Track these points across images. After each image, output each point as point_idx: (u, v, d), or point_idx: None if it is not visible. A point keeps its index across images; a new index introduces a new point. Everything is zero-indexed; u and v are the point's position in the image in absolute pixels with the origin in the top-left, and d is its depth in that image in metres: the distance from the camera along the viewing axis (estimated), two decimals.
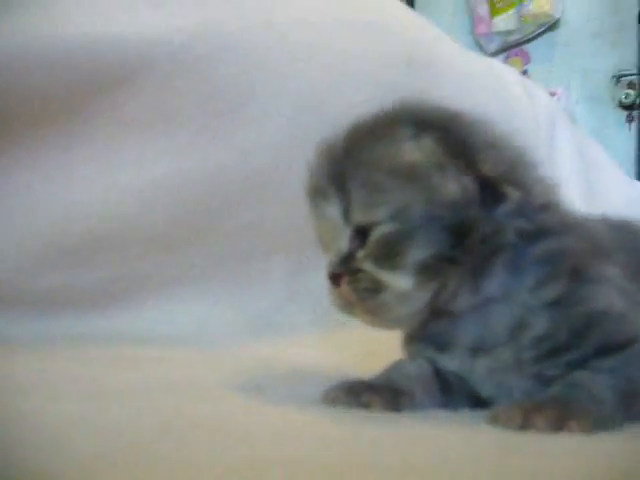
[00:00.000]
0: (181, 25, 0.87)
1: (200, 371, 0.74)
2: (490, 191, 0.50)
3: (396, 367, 0.57)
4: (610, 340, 0.51)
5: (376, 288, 0.50)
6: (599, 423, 0.46)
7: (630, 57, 2.74)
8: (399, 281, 0.50)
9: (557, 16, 2.88)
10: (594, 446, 0.43)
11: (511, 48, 2.98)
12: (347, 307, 0.53)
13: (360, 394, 0.52)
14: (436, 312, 0.52)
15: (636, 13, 2.69)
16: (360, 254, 0.51)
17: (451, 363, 0.55)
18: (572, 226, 0.55)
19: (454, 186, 0.49)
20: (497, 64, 1.68)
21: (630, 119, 2.75)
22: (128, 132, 0.83)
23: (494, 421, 0.48)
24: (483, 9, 2.99)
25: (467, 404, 0.55)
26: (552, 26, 2.93)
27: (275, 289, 1.04)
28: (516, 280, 0.51)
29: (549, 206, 0.54)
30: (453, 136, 0.51)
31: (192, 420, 0.47)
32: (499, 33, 2.97)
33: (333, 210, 0.52)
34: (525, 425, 0.46)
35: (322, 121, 1.01)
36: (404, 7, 1.37)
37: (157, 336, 0.90)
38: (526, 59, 2.97)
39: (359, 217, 0.51)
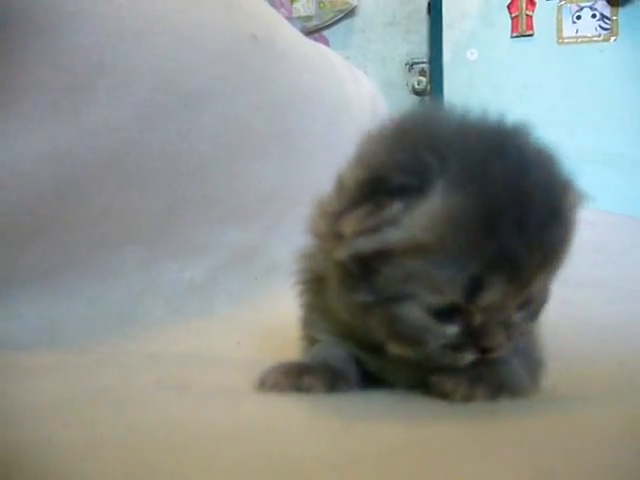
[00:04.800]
0: None
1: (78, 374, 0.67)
2: None
3: (326, 349, 0.56)
4: None
5: None
6: (523, 393, 0.50)
7: (421, 46, 2.94)
8: None
9: (354, 4, 3.00)
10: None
11: (311, 33, 3.06)
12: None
13: (300, 377, 0.51)
14: None
15: (425, 5, 2.89)
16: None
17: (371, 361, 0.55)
18: None
19: None
20: (326, 49, 1.71)
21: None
22: None
23: (439, 394, 0.49)
24: None
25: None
26: (349, 13, 3.05)
27: (129, 280, 0.97)
28: None
29: None
30: None
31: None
32: (299, 18, 3.03)
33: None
34: (469, 397, 0.48)
35: (178, 100, 0.96)
36: None
37: (7, 342, 0.80)
38: (326, 45, 3.07)
39: (538, 286, 0.48)
